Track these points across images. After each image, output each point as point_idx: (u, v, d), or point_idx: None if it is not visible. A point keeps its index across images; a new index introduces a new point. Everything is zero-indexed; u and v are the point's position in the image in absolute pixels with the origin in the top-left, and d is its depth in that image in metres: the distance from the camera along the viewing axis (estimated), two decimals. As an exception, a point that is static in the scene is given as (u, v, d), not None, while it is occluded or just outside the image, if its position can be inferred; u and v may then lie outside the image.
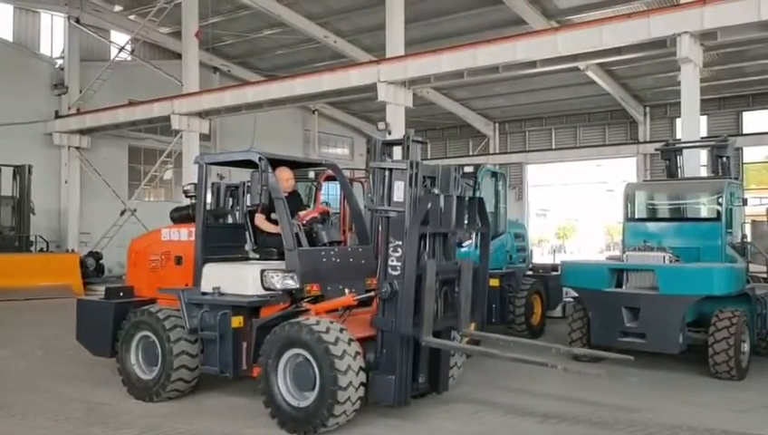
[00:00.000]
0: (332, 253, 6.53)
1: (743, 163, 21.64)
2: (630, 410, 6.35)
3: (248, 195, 6.44)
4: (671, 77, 17.82)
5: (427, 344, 5.61)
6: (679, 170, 10.82)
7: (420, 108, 19.24)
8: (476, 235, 6.25)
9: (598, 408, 6.44)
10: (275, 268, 6.22)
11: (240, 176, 12.15)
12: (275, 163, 6.73)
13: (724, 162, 10.42)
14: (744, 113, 22.52)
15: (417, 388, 5.85)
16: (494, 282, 9.92)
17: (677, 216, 9.59)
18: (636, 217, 9.54)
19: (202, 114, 19.10)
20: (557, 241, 46.05)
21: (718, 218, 8.78)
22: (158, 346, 6.41)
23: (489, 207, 10.53)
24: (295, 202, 7.13)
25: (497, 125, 27.41)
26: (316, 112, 27.97)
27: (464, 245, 9.42)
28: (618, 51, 12.80)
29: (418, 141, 6.29)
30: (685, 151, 10.91)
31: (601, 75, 20.76)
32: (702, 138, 12.93)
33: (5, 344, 9.76)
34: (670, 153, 10.94)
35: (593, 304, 8.28)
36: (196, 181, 7.09)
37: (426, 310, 5.49)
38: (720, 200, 8.80)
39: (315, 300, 6.16)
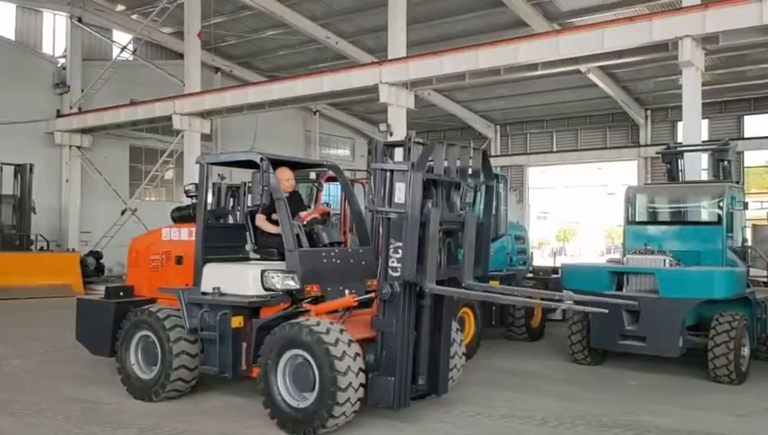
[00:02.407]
0: (333, 254, 6.52)
1: (744, 167, 21.69)
2: (630, 414, 6.35)
3: (249, 195, 6.44)
4: (673, 80, 17.88)
5: (431, 291, 5.60)
6: (680, 174, 10.84)
7: (422, 109, 19.26)
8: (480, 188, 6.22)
9: (597, 411, 6.43)
10: (276, 269, 6.22)
11: (241, 176, 12.17)
12: (276, 163, 6.73)
13: (726, 166, 10.43)
14: (746, 117, 22.55)
15: (416, 389, 5.85)
16: (494, 284, 9.90)
17: (678, 219, 9.58)
18: (637, 220, 9.54)
19: (203, 114, 19.12)
20: (557, 244, 46.05)
21: (719, 222, 8.77)
22: (158, 346, 6.40)
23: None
24: (296, 202, 7.13)
25: (498, 127, 27.44)
26: (317, 113, 27.99)
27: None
28: (619, 54, 12.81)
29: (420, 143, 6.29)
30: (686, 155, 10.92)
31: (603, 78, 20.78)
32: (703, 141, 12.96)
33: (5, 343, 9.76)
34: (671, 157, 10.95)
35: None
36: (197, 181, 7.08)
37: (429, 257, 5.48)
38: (721, 204, 8.80)
39: (315, 301, 6.15)
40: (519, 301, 6.12)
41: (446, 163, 5.83)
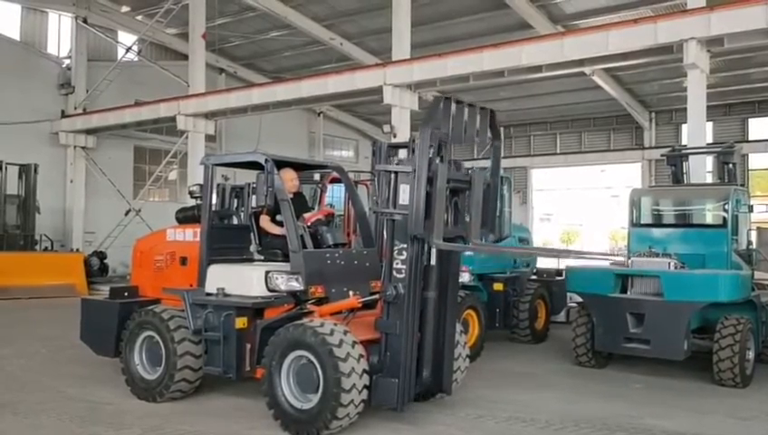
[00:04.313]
0: (337, 255, 6.52)
1: (748, 170, 21.62)
2: (634, 417, 6.33)
3: (253, 196, 6.44)
4: (677, 83, 17.79)
5: (437, 247, 5.58)
6: (685, 176, 10.80)
7: (426, 111, 19.24)
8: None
9: (601, 414, 6.42)
10: (280, 270, 6.22)
11: (245, 177, 12.17)
12: (280, 164, 6.74)
13: (730, 169, 10.40)
14: (750, 120, 22.49)
15: (421, 383, 5.79)
16: (498, 286, 9.92)
17: (683, 222, 9.55)
18: (641, 222, 9.52)
19: (208, 115, 19.13)
20: (561, 245, 45.95)
21: (724, 225, 8.74)
22: (162, 346, 6.41)
23: (494, 212, 10.54)
24: (300, 203, 7.13)
25: (502, 129, 27.33)
26: (321, 114, 27.99)
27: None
28: (624, 56, 12.77)
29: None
30: (690, 157, 10.89)
31: (607, 80, 20.74)
32: (708, 144, 12.92)
33: (9, 343, 9.78)
34: (676, 159, 10.92)
35: (597, 309, 8.26)
36: (201, 182, 7.09)
37: (436, 213, 5.48)
38: (726, 207, 8.76)
39: (319, 302, 6.15)
40: (526, 253, 6.07)
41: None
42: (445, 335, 5.97)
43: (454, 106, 5.71)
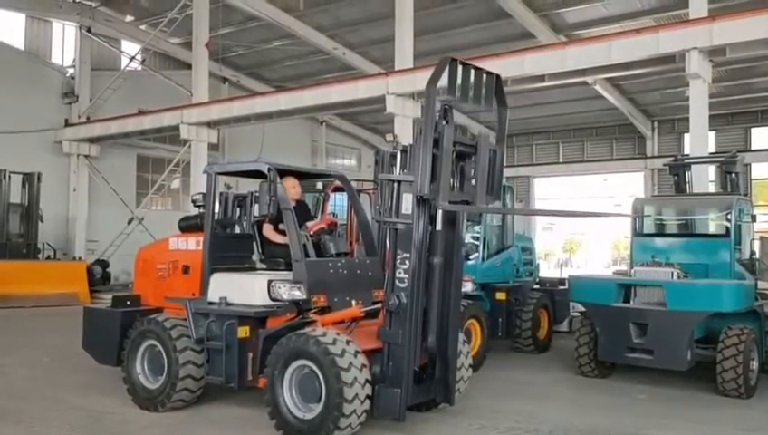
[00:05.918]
0: (340, 264, 6.51)
1: (751, 179, 21.58)
2: (637, 427, 6.31)
3: (256, 205, 6.44)
4: (679, 92, 17.83)
5: (443, 208, 5.56)
6: (687, 186, 10.79)
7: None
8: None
9: (604, 424, 6.40)
10: (282, 279, 6.21)
11: (248, 186, 12.19)
12: (283, 173, 6.75)
13: (733, 178, 10.39)
14: (753, 129, 22.49)
15: (426, 348, 5.71)
16: (500, 295, 9.90)
17: (686, 231, 9.54)
18: (644, 232, 9.51)
19: (211, 124, 19.19)
20: (564, 255, 45.88)
21: (727, 235, 8.73)
22: (164, 355, 6.40)
23: (496, 221, 10.54)
24: (303, 212, 7.13)
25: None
26: (324, 123, 28.06)
27: (470, 258, 9.41)
28: (626, 66, 12.80)
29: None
30: (693, 167, 10.89)
31: (609, 90, 20.77)
32: (710, 153, 12.92)
33: (12, 352, 9.78)
34: (679, 168, 10.91)
35: (600, 319, 8.24)
36: (204, 191, 7.10)
37: (443, 174, 5.46)
38: (729, 216, 8.75)
39: (322, 311, 6.14)
40: (530, 213, 6.03)
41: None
42: (448, 345, 5.93)
43: (460, 68, 5.69)
